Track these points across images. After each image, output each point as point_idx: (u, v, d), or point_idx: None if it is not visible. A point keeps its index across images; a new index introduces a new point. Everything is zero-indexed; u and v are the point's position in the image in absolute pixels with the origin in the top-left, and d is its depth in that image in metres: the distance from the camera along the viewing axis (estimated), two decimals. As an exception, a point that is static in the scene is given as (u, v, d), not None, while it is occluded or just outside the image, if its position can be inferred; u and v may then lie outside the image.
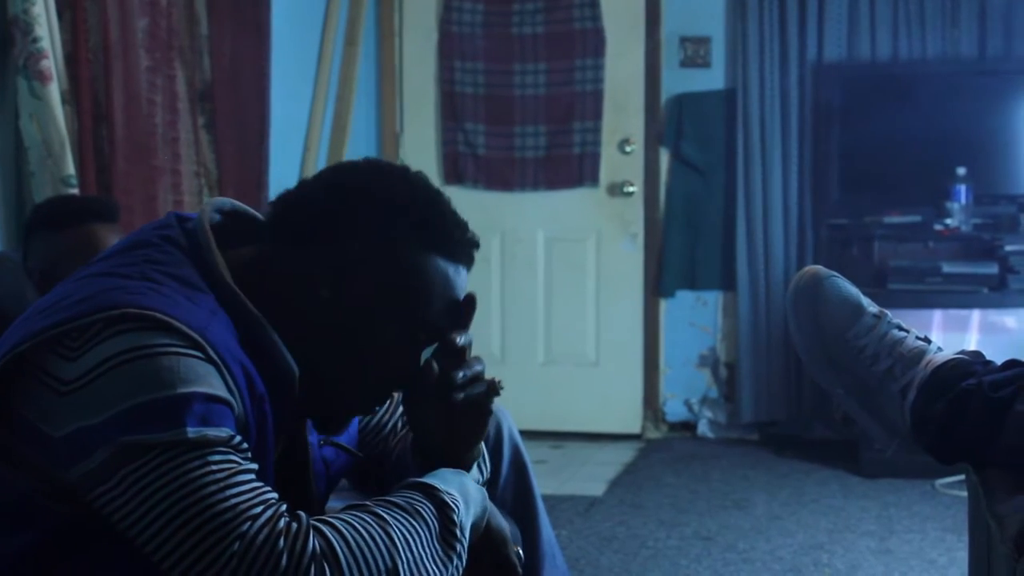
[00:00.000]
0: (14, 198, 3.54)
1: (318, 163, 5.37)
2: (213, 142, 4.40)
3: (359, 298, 1.61)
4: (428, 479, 1.63)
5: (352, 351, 1.64)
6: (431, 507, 1.58)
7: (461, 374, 1.67)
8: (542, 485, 2.50)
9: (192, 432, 1.45)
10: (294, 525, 1.47)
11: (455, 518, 1.59)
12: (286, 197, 1.68)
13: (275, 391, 1.60)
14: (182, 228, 1.65)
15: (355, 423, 1.90)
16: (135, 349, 1.46)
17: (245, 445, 1.51)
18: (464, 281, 1.68)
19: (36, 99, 3.40)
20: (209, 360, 1.49)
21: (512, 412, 2.44)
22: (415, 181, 1.67)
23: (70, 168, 3.44)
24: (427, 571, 1.53)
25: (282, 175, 4.98)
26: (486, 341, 6.01)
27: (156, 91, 4.06)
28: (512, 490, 2.31)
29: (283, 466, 1.69)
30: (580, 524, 4.41)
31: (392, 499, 1.59)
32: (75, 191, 3.43)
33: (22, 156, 3.47)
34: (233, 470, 1.47)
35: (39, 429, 1.48)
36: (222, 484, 1.45)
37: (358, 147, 5.77)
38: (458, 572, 1.59)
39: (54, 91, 3.43)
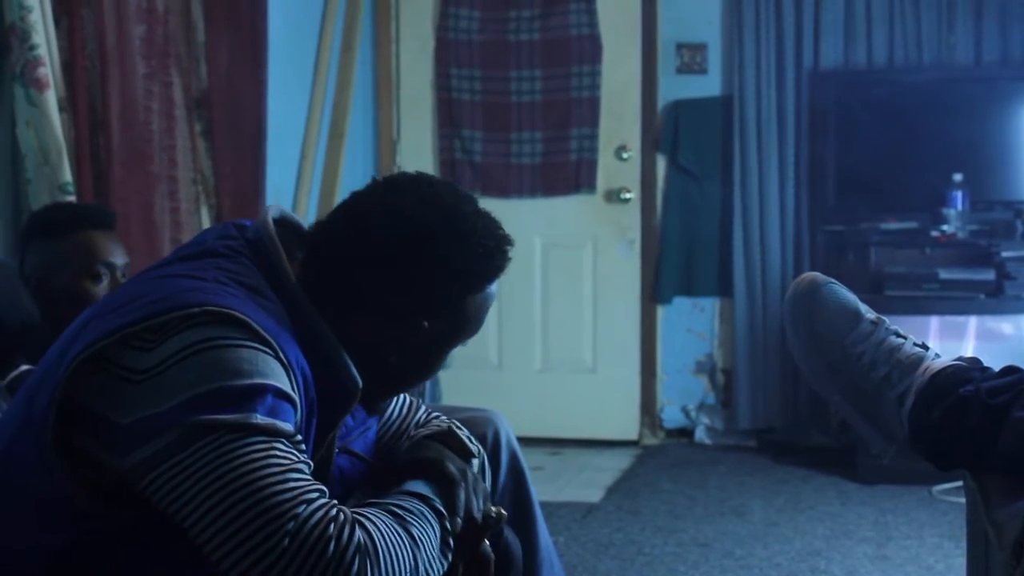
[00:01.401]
0: (11, 205, 3.54)
1: (315, 170, 5.37)
2: (210, 149, 4.40)
3: (421, 349, 1.75)
4: (421, 490, 1.70)
5: (405, 372, 1.77)
6: (433, 515, 1.66)
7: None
8: (539, 491, 2.50)
9: (261, 419, 1.50)
10: (342, 515, 1.51)
11: (448, 526, 1.67)
12: (346, 247, 1.72)
13: (328, 402, 1.67)
14: (244, 238, 1.71)
15: (374, 436, 1.95)
16: (212, 339, 1.51)
17: (304, 447, 1.57)
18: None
19: (33, 106, 3.40)
20: (279, 360, 1.55)
21: (509, 418, 2.45)
22: (478, 217, 1.77)
23: (67, 175, 3.44)
24: (434, 571, 1.61)
25: (279, 182, 4.98)
26: (483, 348, 6.01)
27: (153, 98, 4.06)
28: (510, 496, 2.32)
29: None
30: (577, 530, 4.41)
31: (402, 503, 1.65)
32: (72, 198, 3.43)
33: (19, 163, 3.47)
34: (294, 461, 1.51)
35: (105, 418, 1.51)
36: (285, 468, 1.49)
37: (355, 154, 5.77)
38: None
39: (51, 98, 3.43)
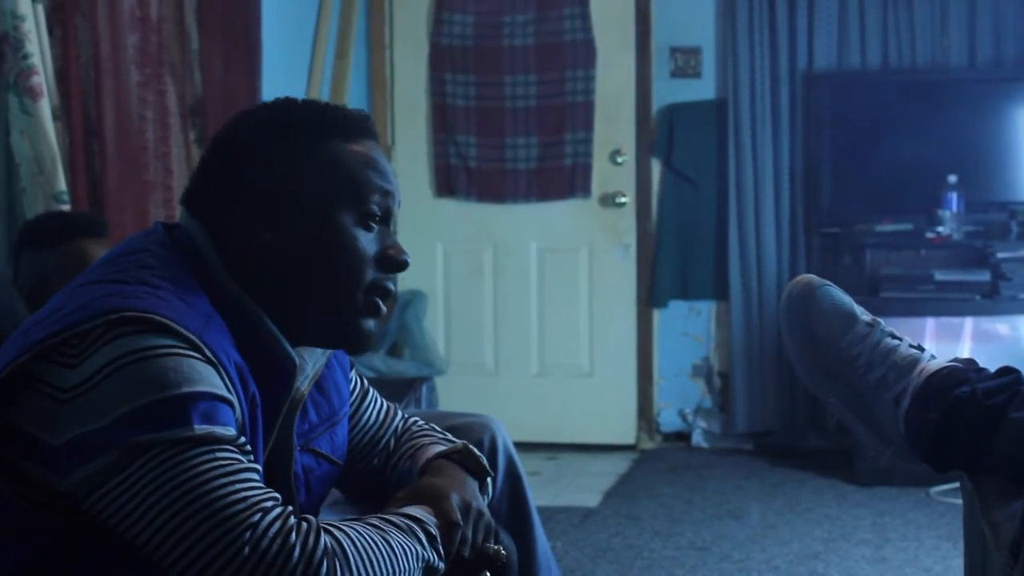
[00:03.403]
0: (6, 215, 3.54)
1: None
2: (205, 157, 4.39)
3: (297, 219, 1.65)
4: (417, 514, 1.65)
5: (324, 265, 1.66)
6: (420, 530, 1.62)
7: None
8: (537, 497, 2.50)
9: (199, 429, 1.46)
10: (304, 524, 1.48)
11: (438, 548, 1.63)
12: (193, 184, 1.72)
13: (268, 390, 1.62)
14: (169, 233, 1.67)
15: (344, 436, 1.89)
16: (136, 352, 1.46)
17: (249, 447, 1.53)
18: (376, 151, 1.71)
19: (27, 115, 3.40)
20: (208, 361, 1.50)
21: (506, 423, 2.44)
22: (277, 102, 1.73)
23: (62, 184, 3.44)
24: None
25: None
26: (479, 353, 6.01)
27: (147, 106, 4.06)
28: (507, 502, 2.31)
29: (265, 470, 1.68)
30: (575, 535, 4.40)
31: (387, 517, 1.62)
32: (67, 207, 3.43)
33: (13, 173, 3.46)
34: (241, 467, 1.48)
35: (38, 439, 1.48)
36: (232, 478, 1.46)
37: (350, 160, 5.76)
38: None
39: (45, 107, 3.42)
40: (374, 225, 1.69)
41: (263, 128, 1.69)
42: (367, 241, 1.68)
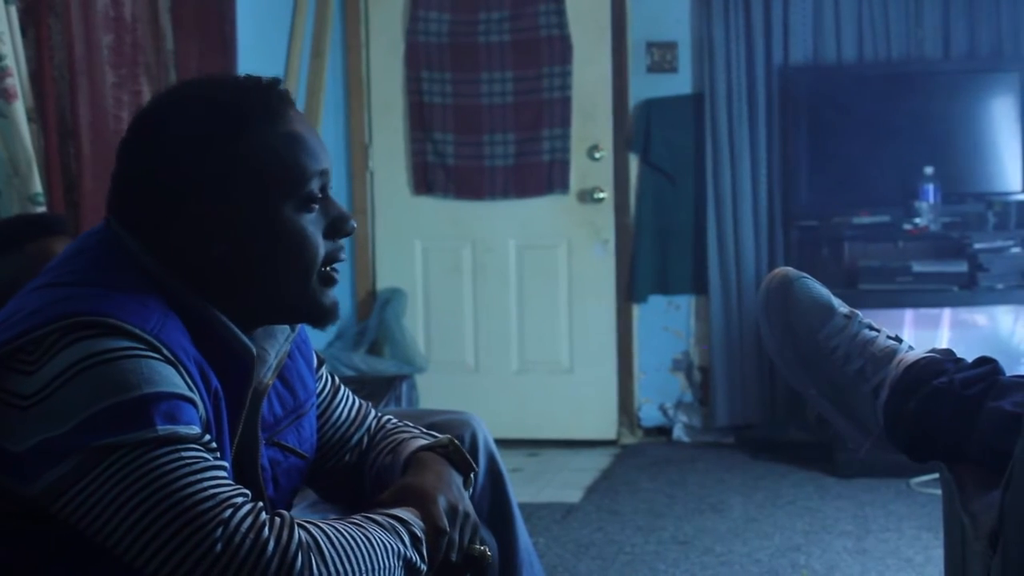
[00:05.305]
0: (-19, 217, 3.51)
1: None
2: (181, 157, 4.37)
3: (243, 225, 1.62)
4: (402, 515, 1.64)
5: (279, 259, 1.64)
6: (404, 530, 1.61)
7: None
8: (518, 493, 2.50)
9: (162, 429, 1.45)
10: (277, 519, 1.47)
11: (422, 551, 1.62)
12: (115, 194, 1.67)
13: (230, 383, 1.61)
14: (119, 231, 1.65)
15: (312, 429, 1.88)
16: (93, 355, 1.45)
17: (215, 444, 1.52)
18: (300, 123, 1.68)
19: (1, 117, 3.38)
20: (167, 360, 1.49)
21: (487, 420, 2.44)
22: (179, 97, 1.68)
23: (37, 186, 3.42)
24: None
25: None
26: (459, 350, 6.01)
27: (122, 107, 4.04)
28: (488, 499, 2.31)
29: (233, 465, 1.67)
30: (557, 531, 4.40)
31: (370, 515, 1.61)
32: (43, 209, 3.41)
33: (-12, 175, 3.45)
34: (207, 464, 1.47)
35: (0, 448, 1.47)
36: (199, 476, 1.45)
37: (327, 159, 5.75)
38: None
39: (19, 109, 3.40)
40: (316, 205, 1.68)
41: (181, 135, 1.63)
42: (314, 223, 1.67)
